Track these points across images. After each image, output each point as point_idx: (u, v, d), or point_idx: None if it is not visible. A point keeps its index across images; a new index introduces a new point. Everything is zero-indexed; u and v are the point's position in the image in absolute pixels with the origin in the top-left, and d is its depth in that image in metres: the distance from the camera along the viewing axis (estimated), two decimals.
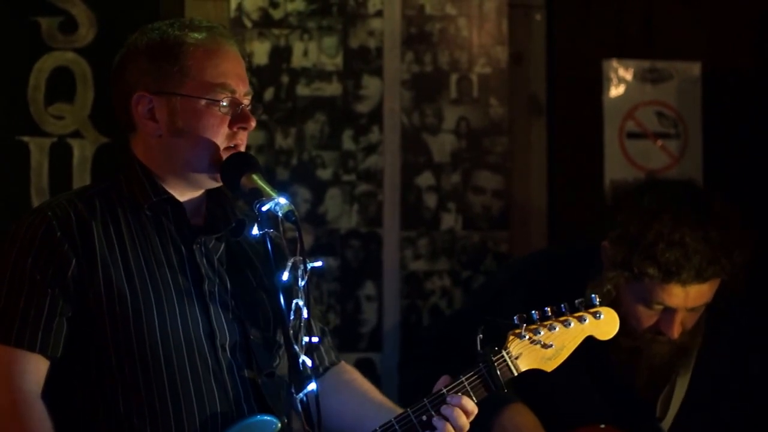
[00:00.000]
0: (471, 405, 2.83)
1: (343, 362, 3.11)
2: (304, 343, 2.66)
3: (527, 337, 2.88)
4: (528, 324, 2.89)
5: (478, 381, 2.86)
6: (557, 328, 2.90)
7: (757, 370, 3.70)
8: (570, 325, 2.92)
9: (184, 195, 2.86)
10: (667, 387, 3.65)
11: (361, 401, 3.04)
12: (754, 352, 3.72)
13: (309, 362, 2.66)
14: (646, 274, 3.45)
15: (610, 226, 3.55)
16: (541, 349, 2.90)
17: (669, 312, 3.50)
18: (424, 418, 2.84)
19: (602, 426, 3.61)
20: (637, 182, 3.88)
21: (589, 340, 2.98)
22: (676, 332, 3.50)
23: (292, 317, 2.65)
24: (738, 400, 3.69)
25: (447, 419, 2.82)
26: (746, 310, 3.72)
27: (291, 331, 2.66)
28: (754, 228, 3.72)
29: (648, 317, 3.52)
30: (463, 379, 2.86)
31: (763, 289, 3.92)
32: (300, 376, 2.65)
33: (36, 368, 2.71)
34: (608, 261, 3.53)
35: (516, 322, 2.89)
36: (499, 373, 2.86)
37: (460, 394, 2.83)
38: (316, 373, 2.87)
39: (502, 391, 2.86)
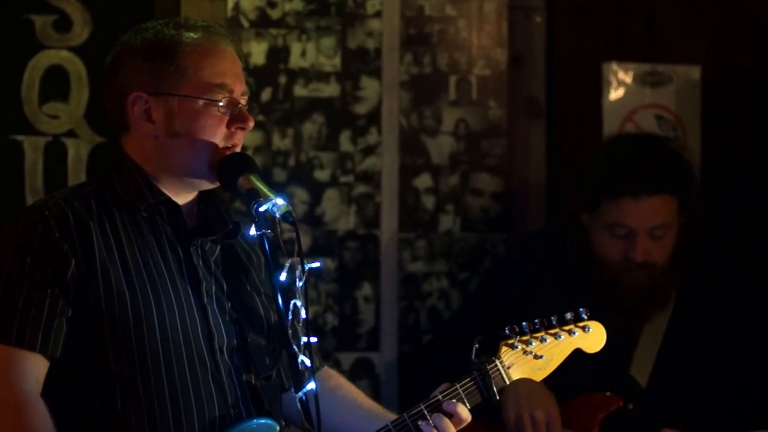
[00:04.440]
0: (465, 413, 2.86)
1: (326, 367, 3.09)
2: (302, 342, 2.65)
3: (519, 347, 2.96)
4: (520, 335, 2.96)
5: (473, 388, 2.90)
6: (548, 340, 2.98)
7: (728, 329, 3.87)
8: (560, 337, 3.00)
9: (179, 196, 2.84)
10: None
11: (350, 407, 3.02)
12: (728, 312, 3.89)
13: (308, 362, 2.65)
14: (599, 197, 3.79)
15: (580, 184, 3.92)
16: (532, 359, 2.97)
17: (631, 235, 3.78)
18: (420, 422, 2.85)
19: (607, 393, 3.78)
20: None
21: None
22: (639, 254, 3.78)
23: (290, 317, 2.65)
24: (708, 358, 3.84)
25: (435, 427, 2.83)
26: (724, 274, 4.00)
27: (290, 331, 2.66)
28: (754, 231, 3.84)
29: (614, 245, 3.80)
30: (458, 386, 2.89)
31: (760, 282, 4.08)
32: (299, 376, 2.65)
33: (36, 368, 2.68)
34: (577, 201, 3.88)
35: (507, 332, 2.95)
36: (492, 381, 2.91)
37: (454, 401, 2.86)
38: None
39: (494, 399, 2.92)
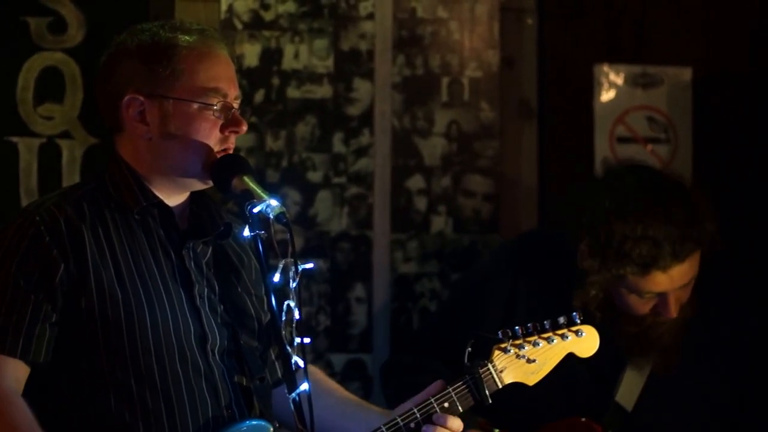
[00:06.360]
0: (457, 423, 2.86)
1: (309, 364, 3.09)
2: (296, 343, 2.65)
3: (512, 351, 2.95)
4: (513, 339, 2.95)
5: (465, 392, 2.90)
6: (541, 344, 2.97)
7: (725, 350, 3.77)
8: (553, 341, 2.99)
9: (171, 198, 2.84)
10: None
11: (331, 401, 3.03)
12: (727, 331, 3.78)
13: (301, 363, 2.66)
14: (625, 272, 3.57)
15: (580, 226, 3.66)
16: (525, 363, 2.96)
17: (661, 296, 3.61)
18: (413, 425, 2.86)
19: (583, 419, 3.69)
20: (595, 178, 3.97)
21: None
22: (673, 312, 3.62)
23: (283, 318, 2.65)
24: (702, 385, 3.74)
25: (442, 425, 2.84)
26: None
27: (283, 332, 2.66)
28: (749, 231, 3.77)
29: (643, 304, 3.64)
30: (450, 389, 2.89)
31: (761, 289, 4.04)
32: (292, 377, 2.65)
33: (15, 371, 2.69)
34: (587, 268, 3.63)
35: (500, 336, 2.94)
36: (484, 385, 2.91)
37: (446, 414, 2.85)
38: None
39: (486, 402, 2.92)
